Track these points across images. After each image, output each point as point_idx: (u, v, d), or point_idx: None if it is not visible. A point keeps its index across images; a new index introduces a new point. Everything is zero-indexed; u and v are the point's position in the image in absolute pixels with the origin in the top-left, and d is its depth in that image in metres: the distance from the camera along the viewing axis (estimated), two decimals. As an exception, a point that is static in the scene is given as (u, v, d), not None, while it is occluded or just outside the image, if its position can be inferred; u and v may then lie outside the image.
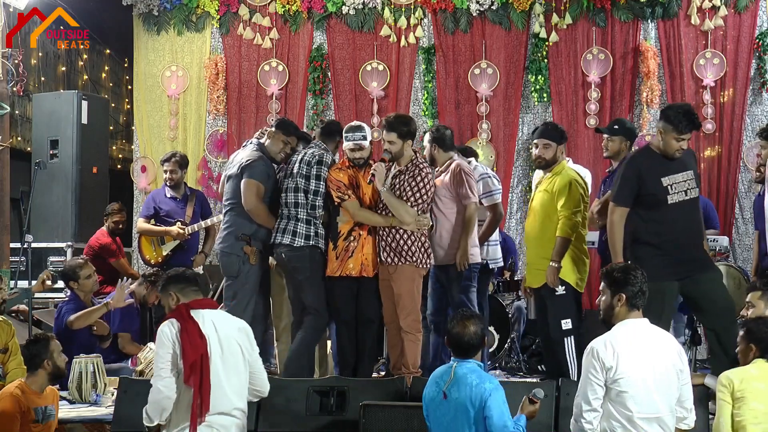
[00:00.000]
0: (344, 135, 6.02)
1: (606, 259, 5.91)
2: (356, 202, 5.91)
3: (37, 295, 6.90)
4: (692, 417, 4.18)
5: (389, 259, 5.86)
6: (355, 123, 6.15)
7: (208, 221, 7.61)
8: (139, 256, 9.17)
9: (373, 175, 5.85)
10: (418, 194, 5.83)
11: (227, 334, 4.29)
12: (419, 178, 5.85)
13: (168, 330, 4.22)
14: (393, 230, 5.85)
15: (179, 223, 7.60)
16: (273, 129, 6.27)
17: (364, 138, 5.96)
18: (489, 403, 4.10)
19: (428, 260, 5.96)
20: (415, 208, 5.83)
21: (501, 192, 6.60)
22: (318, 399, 5.40)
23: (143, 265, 8.98)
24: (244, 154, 6.19)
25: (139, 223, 7.87)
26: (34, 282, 7.47)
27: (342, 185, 5.92)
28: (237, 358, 4.31)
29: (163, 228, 7.64)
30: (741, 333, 4.51)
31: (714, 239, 6.93)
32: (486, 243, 6.48)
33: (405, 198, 5.82)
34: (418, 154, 6.02)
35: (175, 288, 4.40)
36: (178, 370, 4.17)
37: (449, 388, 4.22)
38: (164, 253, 7.67)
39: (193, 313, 4.27)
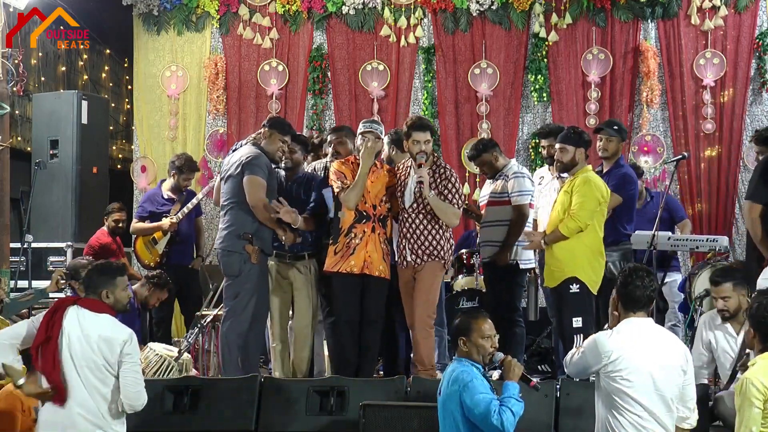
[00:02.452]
0: (361, 124, 6.10)
1: None
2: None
3: None
4: (694, 417, 4.18)
5: (418, 260, 5.88)
6: (374, 118, 6.28)
7: (194, 200, 7.57)
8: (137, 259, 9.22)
9: (420, 182, 5.83)
10: (456, 194, 5.90)
11: (88, 334, 4.28)
12: (453, 178, 5.93)
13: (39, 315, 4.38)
14: (425, 231, 5.87)
15: (165, 218, 7.60)
16: (267, 129, 6.17)
17: (380, 132, 6.05)
18: (464, 399, 4.11)
19: (451, 258, 6.03)
20: (460, 210, 5.92)
21: (530, 194, 6.46)
22: (318, 399, 5.41)
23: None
24: (242, 152, 6.14)
25: (133, 224, 7.86)
26: (35, 282, 7.48)
27: (343, 176, 5.95)
28: (95, 360, 4.27)
29: (154, 224, 7.64)
30: (747, 314, 4.35)
31: (714, 239, 6.94)
32: (516, 243, 6.43)
33: (448, 201, 5.86)
34: (437, 155, 6.10)
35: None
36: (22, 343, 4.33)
37: (440, 386, 4.28)
38: (160, 252, 7.67)
39: (73, 308, 4.33)
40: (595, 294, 5.92)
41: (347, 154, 6.30)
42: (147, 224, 7.68)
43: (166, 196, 7.77)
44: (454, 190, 5.88)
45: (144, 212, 7.75)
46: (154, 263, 7.70)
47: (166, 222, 7.58)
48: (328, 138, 6.49)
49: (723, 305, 5.19)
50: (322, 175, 6.30)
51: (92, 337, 4.25)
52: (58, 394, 4.19)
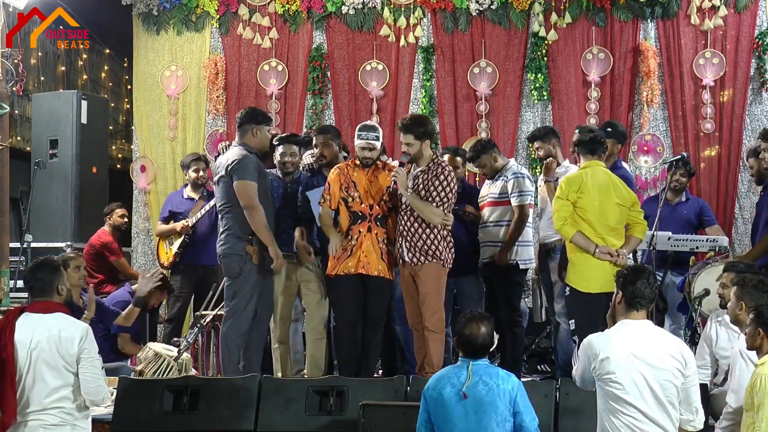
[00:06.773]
0: (357, 133, 6.06)
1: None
2: (326, 210, 6.02)
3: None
4: (700, 418, 4.16)
5: (415, 259, 5.85)
6: (369, 123, 6.29)
7: (210, 203, 7.49)
8: (136, 258, 9.22)
9: (394, 181, 5.87)
10: (443, 193, 5.84)
11: (41, 338, 4.32)
12: (442, 176, 5.86)
13: None
14: (419, 230, 5.85)
15: (182, 221, 7.61)
16: (254, 128, 6.08)
17: (377, 139, 6.01)
18: (518, 399, 4.12)
19: (452, 259, 5.97)
20: (441, 208, 5.84)
21: (530, 194, 6.51)
22: (318, 399, 5.41)
23: (143, 266, 9.00)
24: (230, 154, 6.12)
25: (157, 226, 7.90)
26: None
27: (328, 187, 6.02)
28: (53, 362, 4.31)
29: (170, 226, 7.66)
30: (751, 316, 4.27)
31: (714, 239, 6.93)
32: (515, 244, 6.45)
33: (430, 198, 5.83)
34: (437, 154, 6.06)
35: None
36: None
37: (469, 387, 4.14)
38: (173, 252, 7.68)
39: (23, 316, 4.37)
40: (592, 292, 5.76)
41: (332, 156, 6.32)
42: (165, 226, 7.73)
43: (185, 196, 7.80)
44: (440, 188, 5.83)
45: (165, 213, 7.81)
46: (167, 263, 7.72)
47: (179, 224, 7.60)
48: (314, 140, 6.48)
49: (720, 291, 5.30)
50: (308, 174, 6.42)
51: (50, 338, 4.37)
52: None
